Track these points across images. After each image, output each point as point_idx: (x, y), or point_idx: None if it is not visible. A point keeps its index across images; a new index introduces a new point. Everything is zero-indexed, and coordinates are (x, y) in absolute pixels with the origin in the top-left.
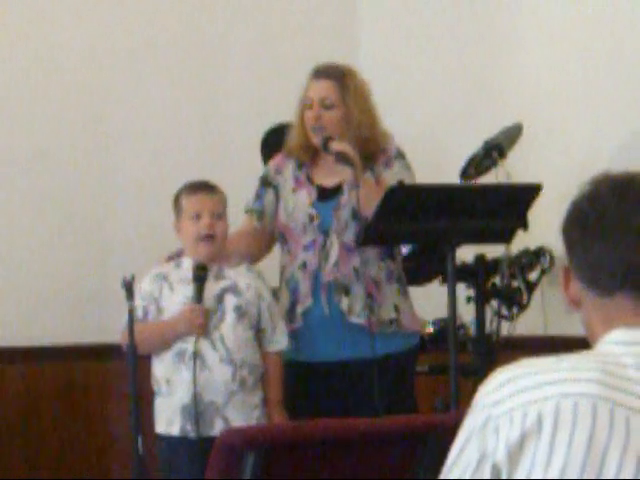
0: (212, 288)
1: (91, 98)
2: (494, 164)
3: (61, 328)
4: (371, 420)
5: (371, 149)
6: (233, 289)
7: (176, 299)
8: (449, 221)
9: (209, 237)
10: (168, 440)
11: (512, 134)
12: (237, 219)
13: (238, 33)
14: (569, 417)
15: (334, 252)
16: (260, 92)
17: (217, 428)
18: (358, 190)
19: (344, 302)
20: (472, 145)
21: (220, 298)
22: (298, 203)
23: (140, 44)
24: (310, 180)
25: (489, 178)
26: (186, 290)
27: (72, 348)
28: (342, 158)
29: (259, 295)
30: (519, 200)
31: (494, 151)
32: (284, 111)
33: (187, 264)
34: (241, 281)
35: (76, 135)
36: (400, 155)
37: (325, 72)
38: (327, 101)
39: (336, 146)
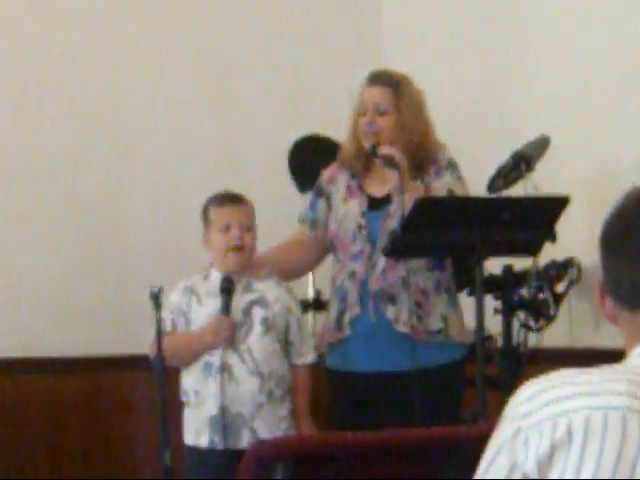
0: (240, 300)
1: (109, 109)
2: (522, 176)
3: (86, 339)
4: (399, 432)
5: (422, 158)
6: (261, 302)
7: (204, 312)
8: (477, 233)
9: (238, 248)
10: (196, 451)
11: (540, 146)
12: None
13: (257, 41)
14: (599, 429)
15: (381, 261)
16: (279, 101)
17: (245, 440)
18: (403, 195)
19: (390, 311)
20: (500, 157)
21: (248, 310)
22: (348, 212)
23: (157, 54)
24: (362, 189)
25: (517, 190)
26: (214, 303)
27: (97, 359)
28: (388, 162)
29: (287, 308)
30: (547, 212)
31: (522, 163)
32: (303, 120)
33: (215, 277)
34: (269, 294)
35: (94, 145)
36: (452, 165)
37: (380, 79)
38: (381, 107)
39: (383, 150)
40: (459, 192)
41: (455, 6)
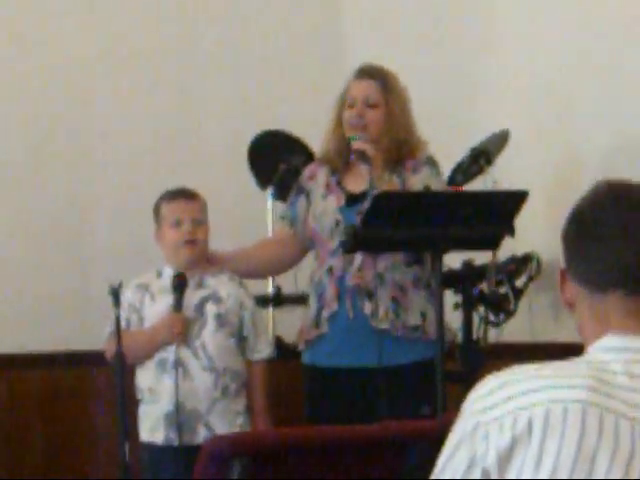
0: (193, 297)
1: (73, 108)
2: (481, 171)
3: (45, 335)
4: (359, 427)
5: (403, 153)
6: (214, 297)
7: (157, 309)
8: (436, 228)
9: (190, 243)
10: (152, 448)
11: (499, 141)
12: (217, 227)
13: (221, 40)
14: (559, 423)
15: (358, 257)
16: (239, 99)
17: (201, 436)
18: (374, 190)
19: (367, 307)
20: (459, 152)
21: (201, 307)
22: (326, 208)
23: (118, 51)
24: (340, 185)
25: (476, 185)
26: (167, 299)
27: (58, 355)
28: (360, 156)
29: (240, 304)
30: (506, 207)
31: (481, 158)
32: (264, 118)
33: (168, 273)
34: (222, 290)
35: (58, 144)
36: (430, 162)
37: (369, 72)
38: (371, 100)
39: (356, 144)
40: (435, 188)
41: (409, 3)
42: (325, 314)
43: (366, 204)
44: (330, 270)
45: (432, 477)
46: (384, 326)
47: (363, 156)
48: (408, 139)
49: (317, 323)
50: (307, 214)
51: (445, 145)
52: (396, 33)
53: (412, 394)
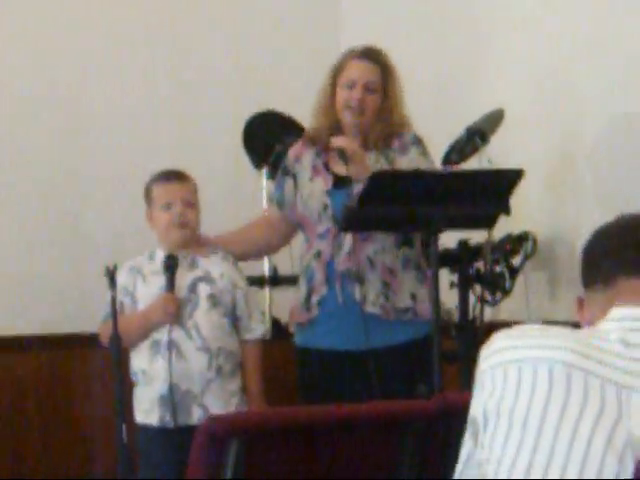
0: (185, 277)
1: (69, 95)
2: (476, 150)
3: (43, 318)
4: (355, 406)
5: (389, 133)
6: (206, 278)
7: (150, 291)
8: (432, 207)
9: (181, 225)
10: (147, 430)
11: (494, 119)
12: (213, 207)
13: (216, 22)
14: (545, 382)
15: (347, 241)
16: (235, 80)
17: (195, 416)
18: (351, 185)
19: (358, 291)
20: (454, 131)
21: (193, 287)
22: (314, 191)
23: (114, 38)
24: (327, 168)
25: (471, 164)
26: (159, 281)
27: (54, 337)
28: (340, 154)
29: (233, 284)
30: (501, 185)
31: (476, 137)
32: (259, 99)
33: (160, 255)
34: (214, 270)
35: (54, 131)
36: (417, 141)
37: (370, 55)
38: (371, 85)
39: (336, 141)
40: (424, 168)
41: None
42: (314, 298)
43: (354, 187)
44: (318, 254)
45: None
46: (375, 310)
47: (342, 154)
48: (397, 121)
49: (307, 307)
50: (294, 196)
51: (444, 125)
52: (395, 15)
53: (407, 374)
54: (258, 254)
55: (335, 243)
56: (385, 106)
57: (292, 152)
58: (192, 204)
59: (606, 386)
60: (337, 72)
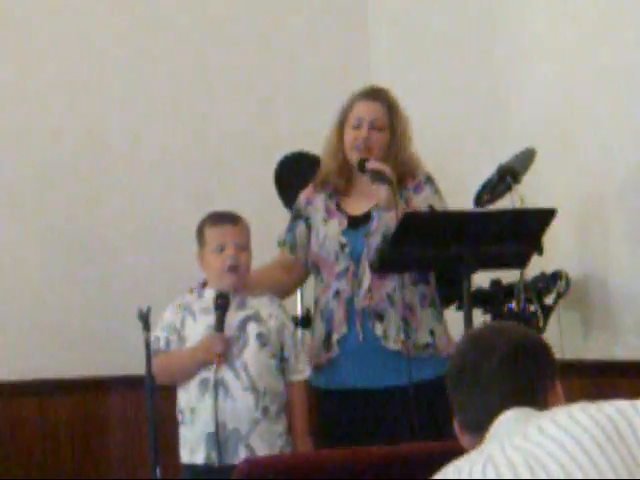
0: (235, 316)
1: (96, 128)
2: (508, 189)
3: (75, 361)
4: (392, 447)
5: (402, 173)
6: (256, 317)
7: (198, 329)
8: (464, 247)
9: (234, 268)
10: (193, 469)
11: (525, 158)
12: None
13: (240, 50)
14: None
15: (366, 279)
16: (260, 110)
17: (241, 456)
18: (397, 208)
19: (378, 328)
20: (486, 170)
21: (243, 326)
22: (329, 232)
23: (139, 70)
24: (340, 208)
25: (503, 203)
26: (208, 319)
27: (87, 381)
28: (379, 177)
29: (282, 324)
30: (534, 225)
31: (508, 176)
32: (286, 140)
33: (209, 294)
34: (263, 310)
35: (81, 166)
36: (429, 180)
37: (376, 94)
38: (378, 123)
39: (372, 165)
40: (438, 206)
41: (437, 21)
42: (335, 337)
43: (371, 224)
44: (337, 293)
45: None
46: (396, 347)
47: (382, 176)
48: (407, 159)
49: (327, 347)
50: (307, 240)
51: (474, 162)
52: (425, 51)
53: (432, 411)
54: (278, 296)
55: (355, 281)
56: (393, 144)
57: (303, 196)
58: (244, 247)
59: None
60: (344, 113)
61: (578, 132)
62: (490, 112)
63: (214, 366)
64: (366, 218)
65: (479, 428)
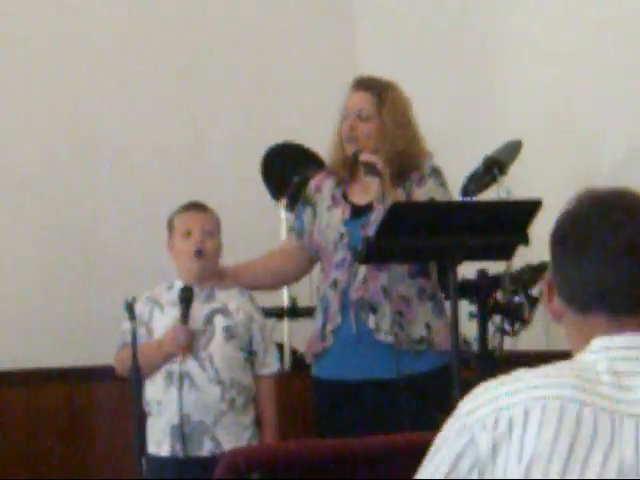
0: (202, 309)
1: (83, 124)
2: (494, 180)
3: (60, 351)
4: (377, 438)
5: (406, 165)
6: (223, 310)
7: (166, 321)
8: (450, 238)
9: (199, 253)
10: (157, 461)
11: (512, 150)
12: (231, 239)
13: (227, 53)
14: (537, 417)
15: (362, 270)
16: (248, 114)
17: (206, 448)
18: (385, 202)
19: (371, 320)
20: (472, 162)
21: (209, 319)
22: (331, 221)
23: (132, 66)
24: (345, 198)
25: (490, 194)
26: (176, 312)
27: (72, 370)
28: (370, 170)
29: (250, 318)
30: (520, 216)
31: (494, 167)
32: (276, 131)
33: (178, 286)
34: (232, 303)
35: (67, 162)
36: (435, 173)
37: (363, 84)
38: (363, 113)
39: (364, 157)
40: (440, 199)
41: (427, 12)
42: (329, 327)
43: (371, 216)
44: (335, 283)
45: (414, 477)
46: (388, 340)
47: (373, 169)
48: (408, 151)
49: (323, 336)
50: (313, 226)
51: (462, 156)
52: (412, 48)
53: (424, 404)
54: (274, 284)
55: (351, 272)
56: (385, 134)
57: (313, 182)
58: (212, 233)
59: (599, 414)
60: (343, 105)
61: (567, 125)
62: (476, 105)
63: (180, 358)
64: (368, 208)
65: (588, 306)
